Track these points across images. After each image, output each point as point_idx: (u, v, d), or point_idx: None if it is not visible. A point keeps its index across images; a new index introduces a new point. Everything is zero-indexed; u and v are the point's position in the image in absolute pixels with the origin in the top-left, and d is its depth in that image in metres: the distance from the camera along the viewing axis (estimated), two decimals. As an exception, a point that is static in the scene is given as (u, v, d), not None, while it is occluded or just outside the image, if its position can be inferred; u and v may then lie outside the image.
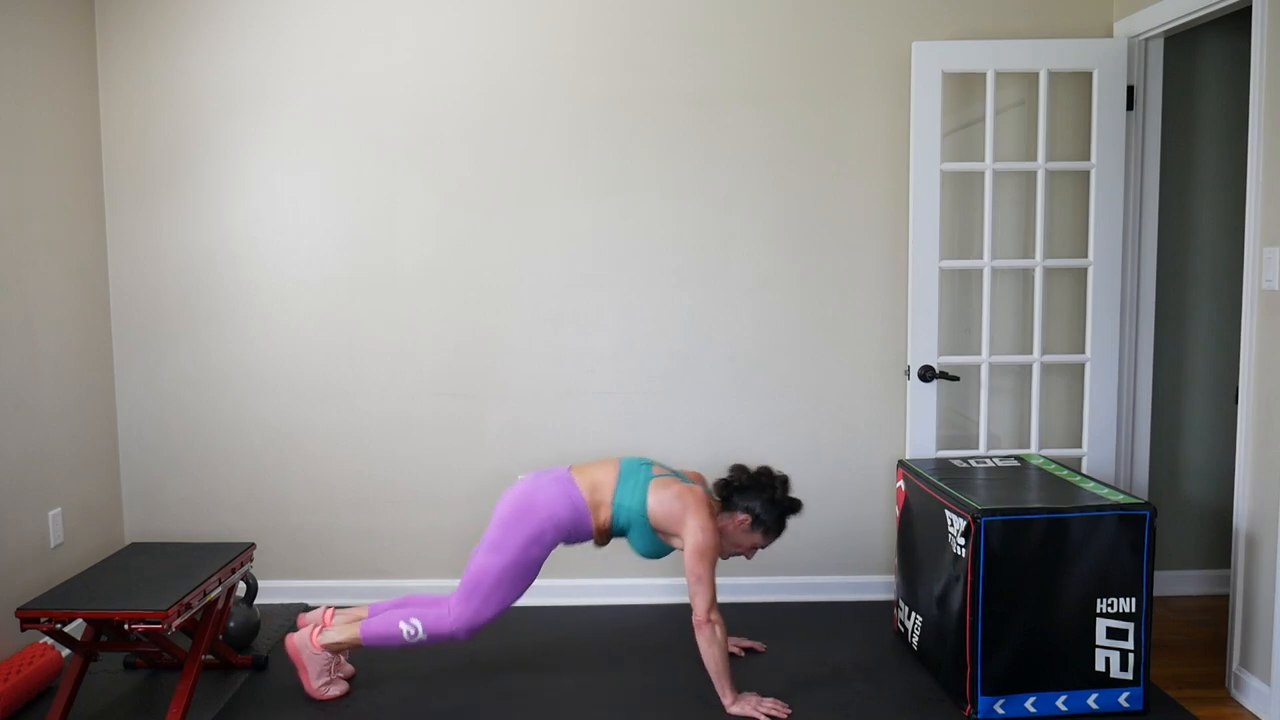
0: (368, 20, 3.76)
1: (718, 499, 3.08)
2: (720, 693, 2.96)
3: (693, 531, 2.92)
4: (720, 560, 3.10)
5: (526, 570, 2.98)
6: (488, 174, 3.81)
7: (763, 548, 3.12)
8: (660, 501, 2.96)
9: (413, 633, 2.98)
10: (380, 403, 3.89)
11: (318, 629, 3.08)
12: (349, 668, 3.23)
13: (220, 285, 3.85)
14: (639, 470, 3.05)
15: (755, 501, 3.01)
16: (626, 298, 3.86)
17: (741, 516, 3.02)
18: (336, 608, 3.16)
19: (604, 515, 3.01)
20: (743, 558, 3.40)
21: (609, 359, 3.87)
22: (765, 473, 3.06)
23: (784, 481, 3.05)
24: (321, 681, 3.08)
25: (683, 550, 2.96)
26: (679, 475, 3.11)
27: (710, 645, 2.90)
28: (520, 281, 3.85)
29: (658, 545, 3.05)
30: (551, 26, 3.77)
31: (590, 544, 3.24)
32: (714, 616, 2.90)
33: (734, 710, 2.95)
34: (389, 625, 3.00)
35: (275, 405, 3.89)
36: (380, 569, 3.96)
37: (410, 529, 3.94)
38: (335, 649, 3.07)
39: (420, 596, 3.14)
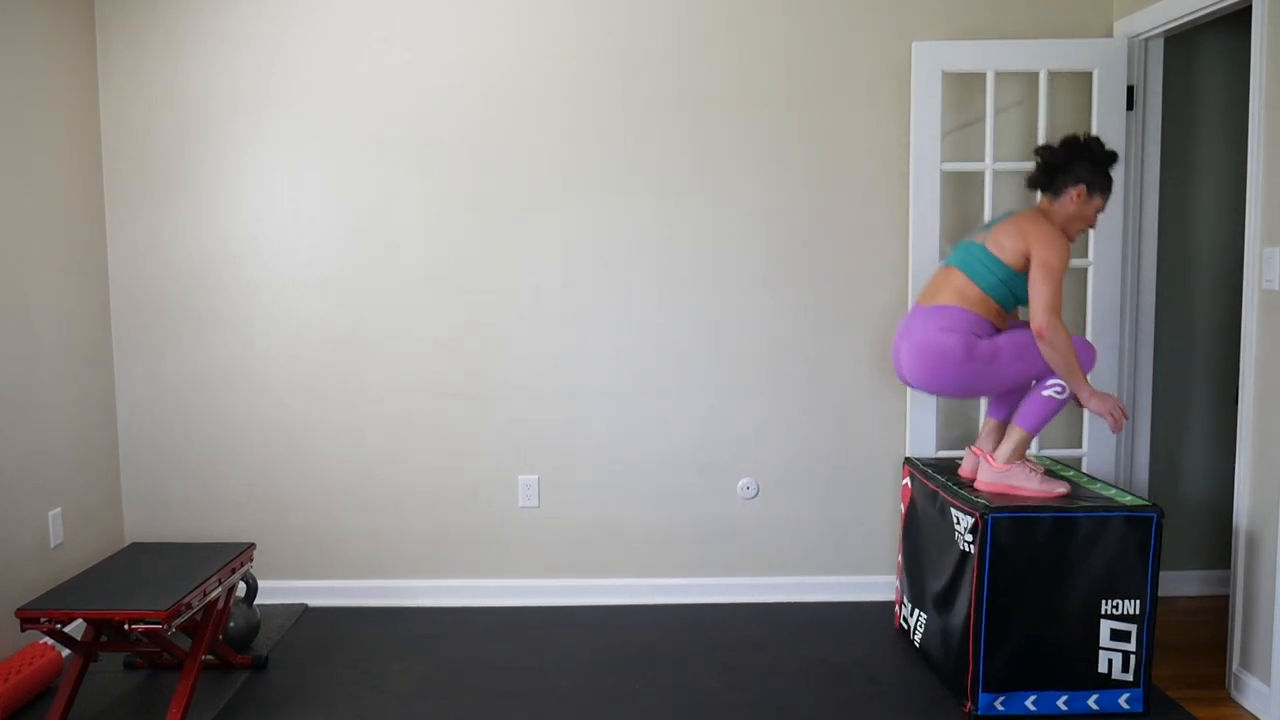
0: (369, 21, 3.76)
1: (1044, 195, 3.11)
2: (1076, 391, 3.01)
3: (1038, 249, 2.97)
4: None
5: (996, 355, 3.05)
6: (488, 174, 3.81)
7: (1102, 211, 3.12)
8: (1001, 248, 3.03)
9: (1060, 390, 3.04)
10: (380, 402, 3.89)
11: (987, 458, 3.13)
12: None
13: (220, 285, 3.85)
14: (968, 248, 3.12)
15: (1080, 170, 3.04)
16: (627, 297, 3.86)
17: (1074, 191, 3.04)
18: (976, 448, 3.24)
19: (980, 301, 3.06)
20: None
21: (609, 359, 3.87)
22: (1073, 141, 3.07)
23: (1094, 140, 3.06)
24: (1039, 484, 3.06)
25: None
26: (988, 226, 3.16)
27: (1050, 351, 2.95)
28: (520, 281, 3.85)
29: (1023, 278, 3.06)
30: (551, 27, 3.76)
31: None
32: (1047, 325, 2.93)
33: (1091, 406, 3.01)
34: (1036, 402, 3.06)
35: (275, 405, 3.89)
36: (380, 569, 3.95)
37: (410, 529, 3.94)
38: (1015, 454, 3.09)
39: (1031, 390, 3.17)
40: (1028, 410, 3.08)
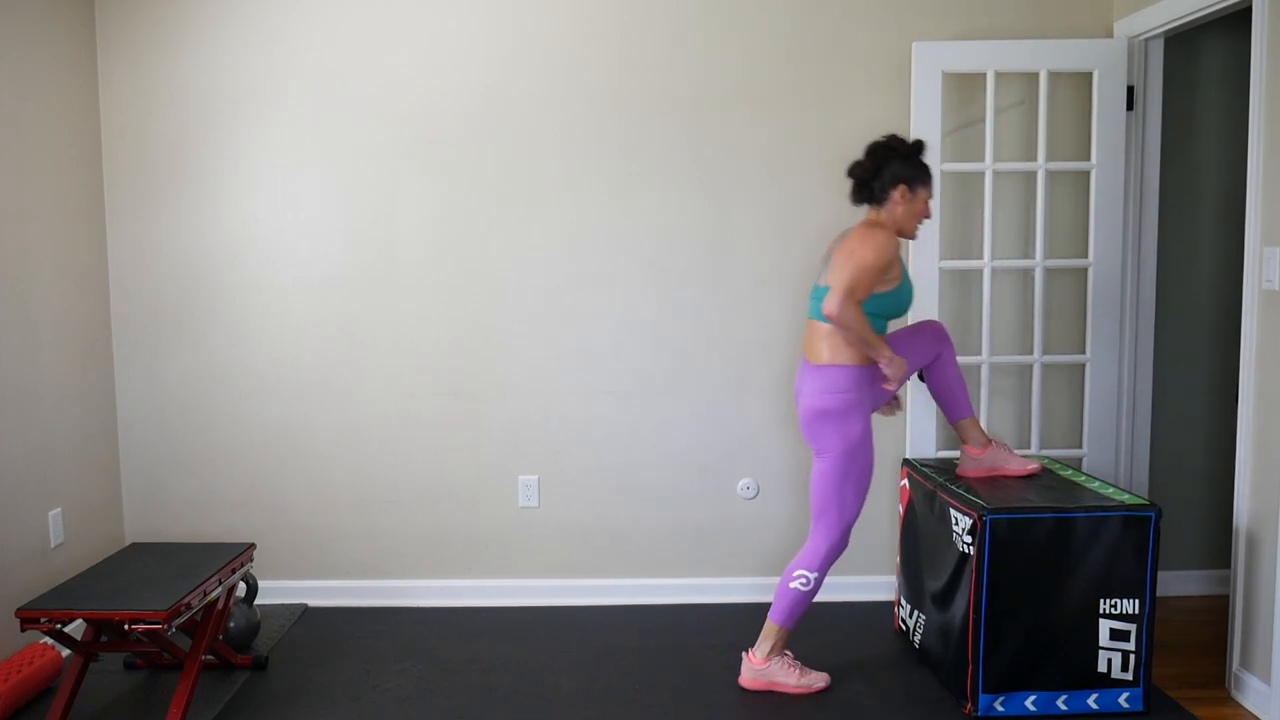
0: (368, 20, 3.76)
1: (870, 206, 3.08)
2: (876, 357, 2.95)
3: (853, 245, 2.94)
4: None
5: (857, 451, 3.01)
6: (487, 174, 3.81)
7: (931, 199, 3.17)
8: (835, 279, 2.92)
9: (805, 582, 3.06)
10: (380, 402, 3.89)
11: (750, 655, 3.18)
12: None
13: (220, 285, 3.85)
14: (816, 294, 3.07)
15: (894, 170, 3.01)
16: (626, 297, 3.86)
17: (897, 192, 3.01)
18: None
19: (848, 348, 3.00)
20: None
21: (608, 358, 3.87)
22: (876, 146, 3.04)
23: (895, 138, 3.04)
24: (798, 680, 3.14)
25: (899, 287, 3.02)
26: (827, 261, 3.11)
27: (843, 331, 2.90)
28: (520, 281, 3.85)
29: (882, 299, 3.01)
30: (550, 27, 3.76)
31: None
32: (837, 308, 2.86)
33: (885, 368, 2.96)
34: (785, 596, 3.09)
35: (276, 405, 3.89)
36: (380, 569, 3.96)
37: (410, 529, 3.94)
38: (774, 650, 3.15)
39: (790, 565, 3.14)
40: (780, 604, 3.10)
